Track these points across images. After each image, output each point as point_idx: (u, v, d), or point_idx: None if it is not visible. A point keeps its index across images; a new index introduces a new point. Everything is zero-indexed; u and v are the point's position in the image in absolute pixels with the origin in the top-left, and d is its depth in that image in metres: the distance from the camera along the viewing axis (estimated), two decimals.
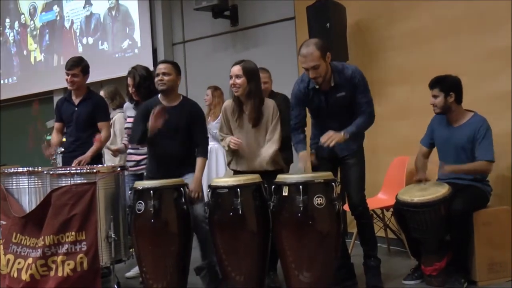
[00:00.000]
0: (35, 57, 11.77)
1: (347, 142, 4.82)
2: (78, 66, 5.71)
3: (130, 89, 5.64)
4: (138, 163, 5.61)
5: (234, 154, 5.06)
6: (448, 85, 4.94)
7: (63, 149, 5.73)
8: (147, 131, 5.01)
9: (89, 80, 5.94)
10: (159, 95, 5.22)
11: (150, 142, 5.15)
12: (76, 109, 5.75)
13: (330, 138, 4.63)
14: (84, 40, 10.69)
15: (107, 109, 5.97)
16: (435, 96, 4.97)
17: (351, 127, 4.73)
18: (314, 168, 5.01)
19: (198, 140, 5.14)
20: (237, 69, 4.92)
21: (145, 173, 5.45)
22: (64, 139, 6.04)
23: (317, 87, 4.80)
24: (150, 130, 4.94)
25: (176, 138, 5.08)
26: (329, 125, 4.81)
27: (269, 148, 4.91)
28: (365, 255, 4.99)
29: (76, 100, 5.78)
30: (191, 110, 5.16)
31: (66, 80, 5.73)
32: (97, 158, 5.71)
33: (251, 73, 4.96)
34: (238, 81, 4.89)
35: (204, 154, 5.16)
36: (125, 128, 5.76)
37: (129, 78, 5.65)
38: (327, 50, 4.71)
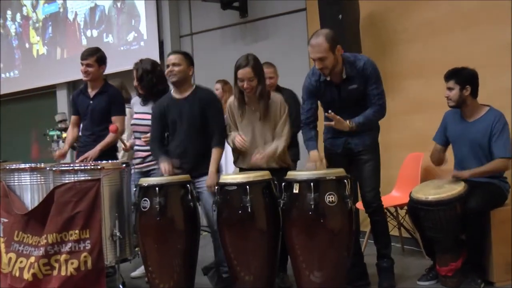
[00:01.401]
0: (37, 50, 11.80)
1: (361, 137, 4.84)
2: (93, 55, 5.71)
3: (134, 82, 5.69)
4: (144, 159, 5.62)
5: (240, 151, 5.07)
6: (464, 78, 4.92)
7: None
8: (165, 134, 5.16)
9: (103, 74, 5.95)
10: (171, 90, 5.24)
11: (168, 137, 5.21)
12: (91, 102, 5.75)
13: (336, 123, 4.66)
14: (88, 33, 10.71)
15: (123, 102, 5.96)
16: (450, 89, 4.94)
17: (359, 117, 4.74)
18: (329, 165, 5.01)
19: (213, 128, 5.04)
20: (247, 72, 4.86)
21: (153, 170, 5.48)
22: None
23: (328, 79, 4.81)
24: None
25: (191, 132, 5.04)
26: (344, 118, 4.83)
27: (274, 146, 4.92)
28: (378, 254, 4.99)
29: (91, 93, 5.79)
30: (203, 98, 5.09)
31: (81, 70, 5.76)
32: (110, 153, 5.70)
33: (260, 71, 4.97)
34: (252, 83, 4.88)
35: (220, 144, 5.04)
36: (132, 125, 5.77)
37: (134, 71, 5.70)
38: (338, 43, 4.71)
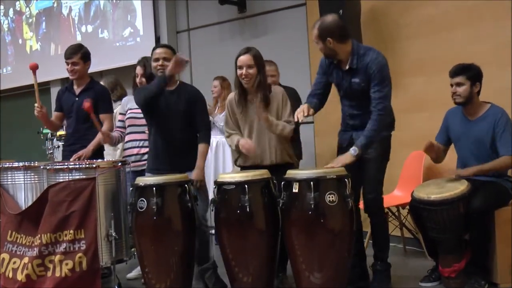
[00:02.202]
0: (31, 46, 11.80)
1: None
2: (77, 53, 5.71)
3: (138, 78, 5.66)
4: (141, 157, 5.60)
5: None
6: (474, 74, 4.91)
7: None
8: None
9: (88, 70, 5.94)
10: None
11: (150, 132, 5.22)
12: (77, 99, 5.75)
13: (338, 163, 4.61)
14: (83, 28, 10.71)
15: (110, 100, 5.96)
16: (459, 84, 4.91)
17: (361, 139, 4.66)
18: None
19: (199, 125, 5.17)
20: (247, 59, 4.90)
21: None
22: (63, 132, 6.07)
23: (335, 61, 4.82)
24: (168, 72, 4.99)
25: (177, 124, 5.10)
26: (348, 110, 4.86)
27: (280, 122, 4.94)
28: (374, 256, 4.98)
29: (77, 90, 5.79)
30: (190, 94, 5.18)
31: (67, 69, 5.75)
32: (98, 152, 5.70)
33: (261, 62, 4.98)
34: (250, 71, 4.89)
35: (206, 139, 5.17)
36: (127, 118, 5.76)
37: (138, 67, 5.67)
38: (330, 35, 4.66)
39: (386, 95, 4.75)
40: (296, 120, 4.75)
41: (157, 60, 5.14)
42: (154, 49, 5.28)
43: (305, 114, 4.72)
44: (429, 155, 5.20)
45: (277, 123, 4.89)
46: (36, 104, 5.71)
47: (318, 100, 4.98)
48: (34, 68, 5.53)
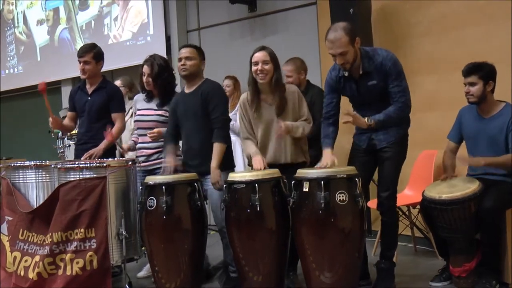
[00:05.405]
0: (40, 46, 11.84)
1: (386, 133, 4.81)
2: (90, 52, 5.72)
3: (145, 78, 5.61)
4: (148, 158, 5.61)
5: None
6: (487, 73, 4.88)
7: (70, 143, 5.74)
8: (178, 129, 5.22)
9: (101, 70, 5.96)
10: (184, 87, 5.28)
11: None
12: (89, 98, 5.78)
13: (352, 118, 4.64)
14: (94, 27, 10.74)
15: (122, 99, 5.97)
16: (472, 84, 4.88)
17: (379, 115, 4.70)
18: (351, 161, 4.99)
19: (212, 121, 5.01)
20: (263, 55, 4.90)
21: (158, 169, 5.49)
22: (74, 131, 6.10)
23: (346, 74, 4.80)
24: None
25: (194, 126, 5.08)
26: (367, 113, 4.82)
27: (299, 123, 4.96)
28: (380, 255, 4.99)
29: (89, 89, 5.81)
30: (205, 90, 5.08)
31: (79, 68, 5.77)
32: (110, 151, 5.74)
33: (276, 61, 4.97)
34: (266, 67, 4.88)
35: (219, 138, 4.98)
36: (135, 121, 5.78)
37: (145, 67, 5.60)
38: (356, 35, 4.67)
39: (405, 88, 4.79)
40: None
41: (180, 60, 5.14)
42: (180, 48, 5.30)
43: (333, 165, 4.69)
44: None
45: (297, 126, 4.91)
46: (50, 119, 5.76)
47: (334, 126, 4.96)
48: (44, 90, 5.56)
